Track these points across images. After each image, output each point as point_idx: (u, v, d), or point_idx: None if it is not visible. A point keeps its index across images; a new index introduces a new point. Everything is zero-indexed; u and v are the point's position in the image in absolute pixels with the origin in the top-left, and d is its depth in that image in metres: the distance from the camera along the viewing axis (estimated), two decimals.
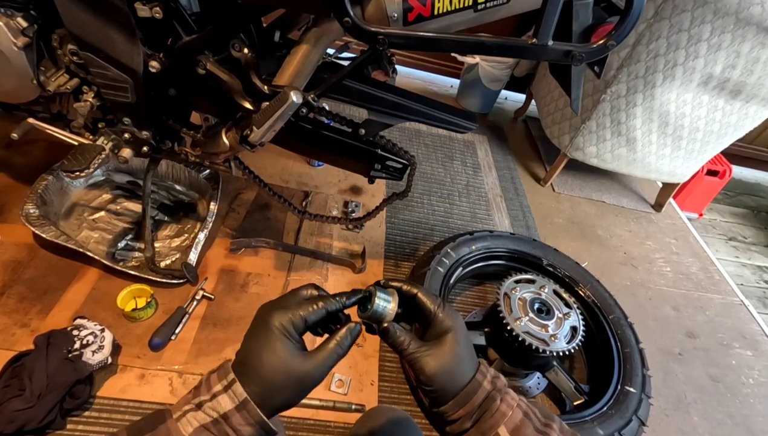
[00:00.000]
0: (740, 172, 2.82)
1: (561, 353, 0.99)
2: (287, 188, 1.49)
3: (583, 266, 1.38)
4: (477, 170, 1.87)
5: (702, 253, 1.82)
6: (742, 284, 2.06)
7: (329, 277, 1.26)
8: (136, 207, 1.22)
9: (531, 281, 1.14)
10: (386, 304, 0.49)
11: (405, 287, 0.51)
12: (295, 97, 0.71)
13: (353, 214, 1.43)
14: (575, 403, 1.05)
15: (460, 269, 1.22)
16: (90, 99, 0.90)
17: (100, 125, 0.96)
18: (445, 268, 1.16)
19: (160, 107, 0.92)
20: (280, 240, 1.29)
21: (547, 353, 0.99)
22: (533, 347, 0.99)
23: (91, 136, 0.96)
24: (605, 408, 0.97)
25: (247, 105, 0.79)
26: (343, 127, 0.98)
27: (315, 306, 0.45)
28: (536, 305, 1.07)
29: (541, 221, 1.72)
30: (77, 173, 0.86)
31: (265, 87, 0.77)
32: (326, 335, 0.47)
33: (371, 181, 1.04)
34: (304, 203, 1.43)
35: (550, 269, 1.27)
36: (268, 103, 0.75)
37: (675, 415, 1.21)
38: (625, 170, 1.74)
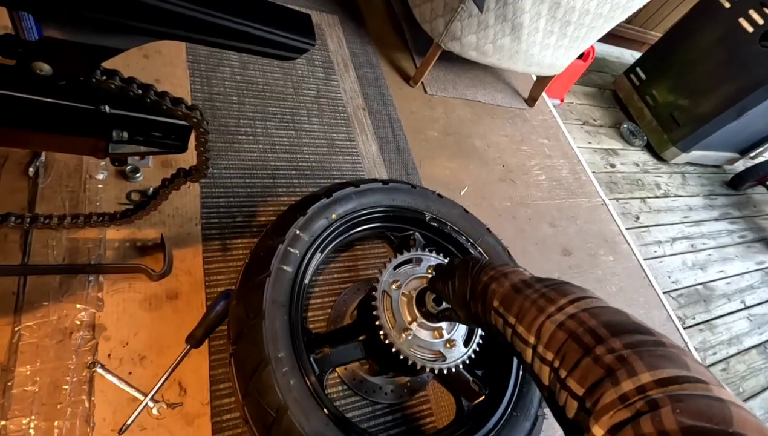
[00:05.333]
0: None
1: (460, 364, 0.75)
2: None
3: (462, 193, 1.14)
4: (329, 71, 1.37)
5: (570, 151, 1.74)
6: (594, 172, 2.13)
7: (106, 302, 0.76)
8: None
9: (415, 261, 0.83)
10: None
11: None
12: None
13: (138, 177, 0.87)
14: (474, 402, 0.87)
15: (319, 254, 0.84)
16: None
17: None
18: (295, 263, 0.77)
19: None
20: None
21: (444, 371, 0.74)
22: (427, 369, 0.72)
23: None
24: (510, 411, 0.80)
25: None
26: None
27: None
28: None
29: (414, 137, 1.37)
30: None
31: None
32: None
33: (117, 162, 0.53)
34: (30, 171, 0.81)
35: (435, 224, 0.98)
36: None
37: None
38: (506, 65, 1.44)
